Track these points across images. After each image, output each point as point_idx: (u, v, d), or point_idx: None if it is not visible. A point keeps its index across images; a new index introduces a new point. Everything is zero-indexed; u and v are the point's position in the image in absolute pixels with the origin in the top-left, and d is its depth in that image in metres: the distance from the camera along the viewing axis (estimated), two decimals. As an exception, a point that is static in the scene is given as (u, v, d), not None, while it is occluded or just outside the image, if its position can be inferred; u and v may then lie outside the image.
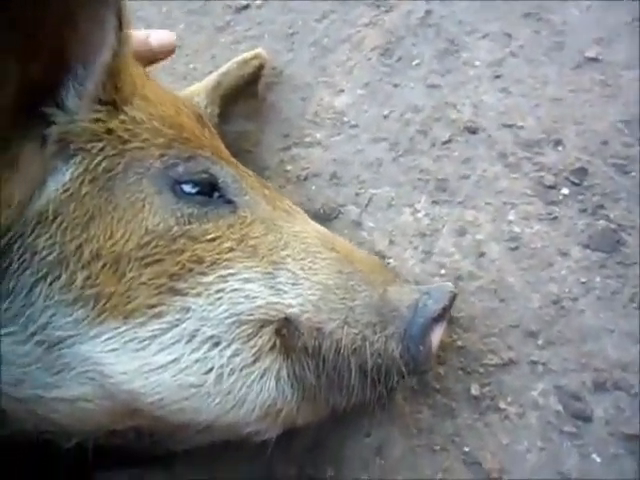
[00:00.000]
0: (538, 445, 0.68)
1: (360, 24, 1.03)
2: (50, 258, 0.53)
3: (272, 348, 0.57)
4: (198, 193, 0.60)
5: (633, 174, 0.80)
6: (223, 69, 0.93)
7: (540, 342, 0.73)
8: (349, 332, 0.58)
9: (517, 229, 0.81)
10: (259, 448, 0.71)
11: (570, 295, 0.75)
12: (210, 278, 0.56)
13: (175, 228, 0.56)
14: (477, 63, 0.95)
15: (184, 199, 0.58)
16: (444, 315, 0.62)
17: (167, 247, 0.55)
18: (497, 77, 0.93)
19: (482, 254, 0.80)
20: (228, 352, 0.55)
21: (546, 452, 0.67)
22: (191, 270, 0.56)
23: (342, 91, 0.97)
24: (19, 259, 0.53)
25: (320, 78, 0.99)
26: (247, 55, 0.99)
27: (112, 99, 0.57)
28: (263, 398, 0.57)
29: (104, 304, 0.53)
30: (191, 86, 0.95)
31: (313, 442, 0.71)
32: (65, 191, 0.54)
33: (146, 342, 0.53)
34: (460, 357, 0.74)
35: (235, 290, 0.56)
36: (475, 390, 0.72)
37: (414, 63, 0.97)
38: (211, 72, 1.03)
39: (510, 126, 0.89)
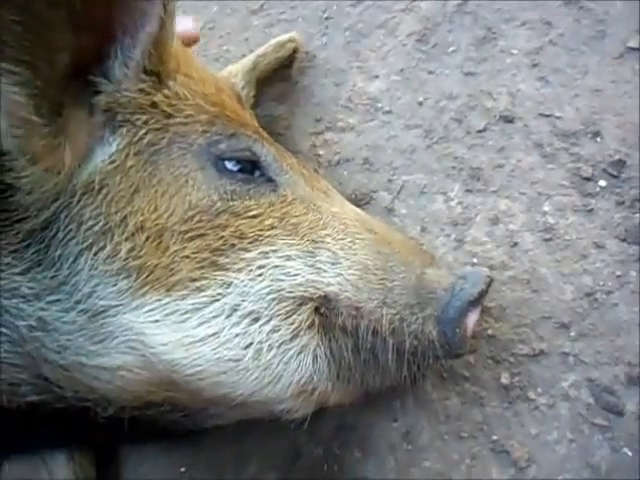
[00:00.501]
0: (568, 436, 0.69)
1: (396, 10, 1.03)
2: (96, 228, 0.55)
3: (310, 326, 0.58)
4: (240, 170, 0.61)
5: (673, 168, 0.80)
6: (259, 51, 0.94)
7: (572, 334, 0.74)
8: (387, 312, 0.59)
9: (552, 220, 0.81)
10: (286, 427, 0.73)
11: (604, 288, 0.75)
12: (252, 254, 0.58)
13: (218, 203, 0.58)
14: (514, 51, 0.95)
15: (227, 176, 0.60)
16: (480, 299, 0.63)
17: (210, 222, 0.57)
18: (535, 66, 0.93)
19: (515, 244, 0.81)
20: (267, 328, 0.56)
21: (576, 444, 0.68)
22: (233, 245, 0.57)
23: (376, 77, 0.97)
24: (65, 229, 0.55)
25: (354, 63, 0.99)
26: (282, 38, 1.00)
27: (157, 70, 0.58)
28: (299, 375, 0.58)
29: (147, 276, 0.55)
30: (224, 68, 0.97)
31: (340, 424, 0.73)
32: (111, 162, 0.56)
33: (187, 315, 0.55)
34: (490, 346, 0.75)
35: (276, 267, 0.58)
36: (505, 379, 0.72)
37: (450, 50, 0.97)
38: (244, 55, 1.04)
39: (547, 116, 0.88)
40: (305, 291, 0.58)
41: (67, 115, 0.52)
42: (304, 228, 0.61)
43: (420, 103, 0.94)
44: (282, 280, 0.58)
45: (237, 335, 0.56)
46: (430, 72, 0.96)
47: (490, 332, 0.75)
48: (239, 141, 0.62)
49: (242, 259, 0.57)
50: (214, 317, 0.55)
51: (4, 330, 0.55)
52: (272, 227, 0.59)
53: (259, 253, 0.58)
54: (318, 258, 0.60)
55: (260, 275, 0.57)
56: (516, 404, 0.71)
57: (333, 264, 0.60)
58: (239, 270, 0.57)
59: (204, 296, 0.55)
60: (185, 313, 0.55)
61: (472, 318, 0.62)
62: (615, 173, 0.82)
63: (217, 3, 1.13)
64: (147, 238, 0.55)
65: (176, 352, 0.54)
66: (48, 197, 0.54)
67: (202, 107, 0.61)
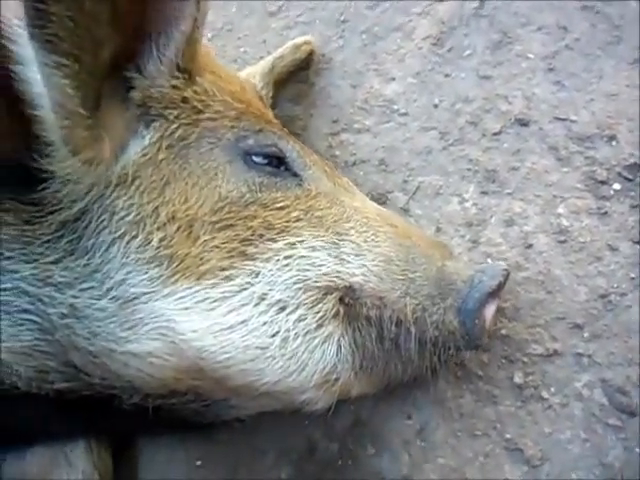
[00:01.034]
0: (581, 436, 0.71)
1: (412, 13, 1.07)
2: (128, 218, 0.58)
3: (335, 315, 0.61)
4: (267, 165, 0.65)
5: (688, 172, 0.82)
6: (277, 53, 0.98)
7: (586, 335, 0.76)
8: (410, 302, 0.62)
9: (566, 222, 0.84)
10: (302, 422, 0.76)
11: (618, 290, 0.78)
12: (279, 244, 0.61)
13: (247, 195, 0.61)
14: (530, 55, 0.98)
15: (254, 169, 0.64)
16: (498, 292, 0.66)
17: (239, 213, 0.61)
18: (551, 70, 0.96)
19: (529, 246, 0.83)
20: (294, 317, 0.59)
21: (589, 443, 0.70)
22: (262, 236, 0.60)
23: (392, 79, 1.00)
24: (98, 219, 0.58)
25: (370, 66, 1.03)
26: (298, 40, 1.04)
27: (188, 68, 0.62)
28: (323, 364, 0.61)
29: (178, 265, 0.58)
30: (242, 69, 1.01)
31: (355, 420, 0.75)
32: (144, 155, 0.60)
33: (217, 303, 0.58)
34: (504, 346, 0.77)
35: (303, 257, 0.61)
36: (518, 378, 0.75)
37: (466, 54, 1.00)
38: (261, 57, 1.08)
39: (563, 120, 0.91)
40: (330, 281, 0.61)
41: (104, 109, 0.56)
42: (328, 221, 0.64)
43: (436, 105, 0.97)
44: (308, 270, 0.61)
45: (265, 323, 0.59)
46: (446, 75, 0.99)
47: (504, 332, 0.78)
48: (265, 137, 0.66)
49: (270, 249, 0.60)
50: (242, 305, 0.59)
51: (35, 318, 0.58)
52: (298, 219, 0.63)
53: (286, 244, 0.61)
54: (342, 249, 0.63)
55: (287, 265, 0.60)
56: (529, 403, 0.74)
57: (357, 255, 0.63)
58: (267, 260, 0.60)
59: (233, 285, 0.59)
60: (214, 301, 0.58)
61: (490, 310, 0.65)
62: (630, 176, 0.84)
63: (235, 4, 1.18)
64: (178, 228, 0.59)
65: (205, 339, 0.58)
66: (82, 188, 0.58)
67: (230, 104, 0.65)
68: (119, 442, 0.77)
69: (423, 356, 0.63)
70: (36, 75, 0.50)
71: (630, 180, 0.84)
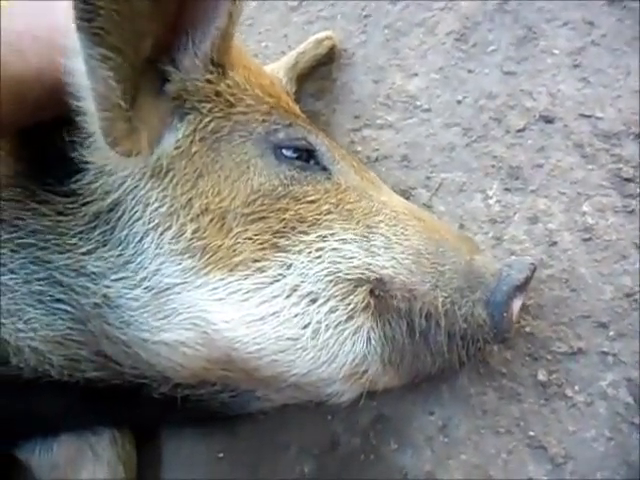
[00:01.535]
0: (606, 435, 0.72)
1: (435, 8, 1.08)
2: (162, 210, 0.60)
3: (366, 308, 0.63)
4: (297, 158, 0.67)
5: None
6: (300, 49, 1.00)
7: (611, 333, 0.77)
8: (439, 295, 0.64)
9: (591, 220, 0.85)
10: (324, 417, 0.78)
11: (644, 289, 0.79)
12: (311, 237, 0.63)
13: (279, 188, 0.63)
14: (556, 51, 0.99)
15: (285, 162, 0.65)
16: (525, 286, 0.68)
17: (272, 205, 0.62)
18: (576, 66, 0.97)
19: (554, 243, 0.84)
20: (325, 308, 0.61)
21: (614, 442, 0.71)
22: (293, 228, 0.62)
23: (415, 75, 1.02)
24: (131, 210, 0.60)
25: (393, 61, 1.04)
26: (320, 35, 1.05)
27: (222, 62, 0.64)
28: (353, 355, 0.63)
29: (211, 256, 0.60)
30: (263, 64, 1.02)
31: (377, 416, 0.77)
32: (177, 148, 0.62)
33: (249, 294, 0.60)
34: (528, 343, 0.79)
35: (334, 249, 0.63)
36: (542, 376, 0.76)
37: (490, 49, 1.02)
38: (283, 51, 1.10)
39: (588, 117, 0.92)
40: (361, 274, 0.63)
41: (140, 101, 0.58)
42: (358, 214, 0.66)
43: (459, 102, 0.98)
44: (339, 262, 0.63)
45: (296, 315, 0.61)
46: (469, 71, 1.01)
47: (528, 329, 0.79)
48: (295, 131, 0.68)
49: (302, 241, 0.62)
50: (274, 297, 0.60)
51: (68, 308, 0.61)
52: (329, 212, 0.65)
53: (317, 236, 0.63)
54: (373, 242, 0.65)
55: (319, 257, 0.62)
56: (553, 401, 0.75)
57: (387, 248, 0.65)
58: (299, 252, 0.62)
59: (265, 276, 0.60)
60: (247, 292, 0.60)
61: (517, 303, 0.66)
62: (656, 175, 0.85)
63: (256, -1, 1.19)
64: (211, 220, 0.61)
65: (238, 329, 0.60)
66: (116, 180, 0.61)
67: (261, 97, 0.67)
68: (143, 434, 0.79)
69: (451, 349, 0.65)
70: (81, 67, 0.52)
71: (657, 178, 0.85)
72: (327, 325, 0.61)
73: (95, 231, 0.61)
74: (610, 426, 0.72)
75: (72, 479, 0.71)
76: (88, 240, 0.61)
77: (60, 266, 0.61)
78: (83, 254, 0.60)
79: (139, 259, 0.60)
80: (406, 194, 0.91)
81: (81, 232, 0.61)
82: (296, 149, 0.67)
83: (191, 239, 0.60)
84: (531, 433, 0.74)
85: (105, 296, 0.60)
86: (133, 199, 0.61)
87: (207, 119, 0.63)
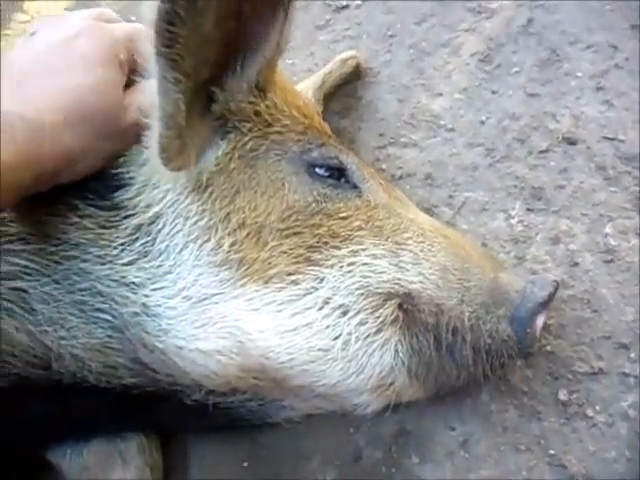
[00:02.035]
0: (626, 455, 0.74)
1: (460, 29, 1.12)
2: (201, 223, 0.65)
3: (394, 321, 0.67)
4: (329, 177, 0.71)
5: None
6: (326, 69, 1.04)
7: (632, 355, 0.80)
8: (465, 310, 0.67)
9: (613, 242, 0.88)
10: (347, 429, 0.81)
11: (666, 311, 0.81)
12: (343, 252, 0.67)
13: (313, 205, 0.68)
14: (579, 74, 1.02)
15: (318, 180, 0.70)
16: (548, 303, 0.71)
17: (306, 221, 0.67)
18: (599, 89, 1.00)
19: (575, 264, 0.87)
20: (355, 321, 0.65)
21: (634, 463, 0.74)
22: (326, 243, 0.66)
23: (439, 94, 1.06)
24: (172, 223, 0.65)
25: (417, 80, 1.08)
26: (345, 55, 1.10)
27: (265, 85, 0.69)
28: (381, 367, 0.66)
29: (247, 268, 0.64)
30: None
31: (399, 430, 0.80)
32: (217, 164, 0.67)
33: (283, 305, 0.64)
34: (549, 362, 0.81)
35: (365, 264, 0.67)
36: (563, 395, 0.78)
37: (513, 71, 1.05)
38: (309, 69, 1.15)
39: (611, 139, 0.95)
40: (390, 288, 0.67)
41: (190, 120, 0.62)
42: (387, 231, 0.70)
43: (482, 122, 1.02)
44: (370, 277, 0.66)
45: (328, 326, 0.64)
46: (493, 92, 1.04)
47: (549, 348, 0.82)
48: (328, 150, 0.72)
49: (334, 256, 0.66)
50: (307, 309, 0.64)
51: (108, 317, 0.65)
52: (360, 228, 0.69)
53: (349, 251, 0.67)
54: (401, 258, 0.68)
55: (350, 271, 0.66)
56: (574, 420, 0.77)
57: (415, 264, 0.69)
58: (331, 266, 0.66)
59: (299, 289, 0.64)
60: (281, 304, 0.64)
61: (540, 320, 0.70)
62: (679, 198, 0.88)
63: (282, 17, 1.24)
64: (248, 234, 0.65)
65: (271, 339, 0.63)
66: (158, 194, 0.65)
67: (296, 118, 0.72)
68: (169, 440, 0.83)
69: (476, 363, 0.68)
70: (155, 88, 0.58)
71: (679, 201, 0.88)
72: (357, 337, 0.65)
73: (136, 243, 0.65)
74: (630, 446, 0.74)
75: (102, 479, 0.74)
76: (129, 251, 0.65)
77: (101, 277, 0.65)
78: (124, 265, 0.65)
79: (178, 270, 0.64)
80: (429, 212, 0.94)
81: (122, 244, 0.65)
82: (328, 168, 0.71)
83: (228, 252, 0.64)
84: (551, 451, 0.76)
85: (144, 305, 0.64)
86: (174, 212, 0.65)
87: (246, 138, 0.68)
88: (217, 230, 0.64)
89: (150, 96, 0.59)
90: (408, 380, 0.68)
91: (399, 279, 0.67)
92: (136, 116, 0.64)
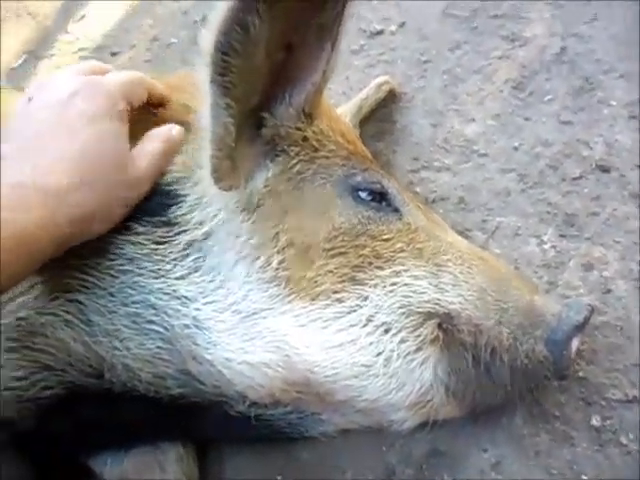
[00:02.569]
0: (659, 483, 0.76)
1: (493, 56, 1.17)
2: (252, 242, 0.70)
3: (434, 340, 0.70)
4: (372, 200, 0.76)
5: None
6: (362, 94, 1.10)
7: (666, 383, 0.82)
8: (503, 331, 0.71)
9: (646, 270, 0.90)
10: (379, 445, 0.84)
11: (700, 340, 0.83)
12: (386, 272, 0.71)
13: (358, 227, 0.72)
14: (613, 102, 1.06)
15: (362, 204, 0.75)
16: (583, 326, 0.74)
17: (350, 242, 0.71)
18: (633, 117, 1.04)
19: (609, 291, 0.90)
20: (397, 338, 0.69)
21: (666, 491, 0.75)
22: (370, 264, 0.71)
23: (473, 120, 1.10)
24: (223, 240, 0.70)
25: (451, 106, 1.13)
26: (379, 80, 1.16)
27: (311, 112, 0.74)
28: (420, 384, 0.70)
29: (294, 286, 0.69)
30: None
31: (432, 449, 0.83)
32: (266, 186, 0.72)
33: (328, 322, 0.68)
34: (581, 388, 0.84)
35: (406, 284, 0.71)
36: (596, 421, 0.81)
37: (547, 98, 1.10)
38: (344, 93, 1.20)
39: (644, 167, 0.98)
40: (431, 308, 0.71)
41: (241, 143, 0.68)
42: (428, 253, 0.74)
43: (515, 148, 1.06)
44: (411, 297, 0.70)
45: (371, 343, 0.69)
46: (526, 119, 1.08)
47: (581, 374, 0.84)
48: (371, 175, 0.78)
49: (377, 276, 0.71)
50: (351, 326, 0.69)
51: (159, 329, 0.70)
52: (402, 250, 0.73)
53: (392, 272, 0.71)
54: (441, 279, 0.73)
55: (392, 291, 0.70)
56: (607, 447, 0.79)
57: (454, 285, 0.73)
58: (375, 285, 0.70)
59: (343, 307, 0.69)
60: (327, 320, 0.68)
61: (575, 343, 0.73)
62: None
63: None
64: (295, 253, 0.70)
65: (317, 354, 0.68)
66: (210, 212, 0.70)
67: (341, 144, 0.78)
68: (205, 453, 0.87)
69: (513, 383, 0.71)
70: (208, 112, 0.64)
71: None
72: (398, 354, 0.68)
73: (188, 258, 0.70)
74: (664, 475, 0.76)
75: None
76: (181, 266, 0.70)
77: (154, 290, 0.70)
78: (176, 279, 0.70)
79: (229, 285, 0.69)
80: (463, 236, 0.97)
81: (175, 259, 0.70)
82: (371, 192, 0.76)
83: (277, 269, 0.69)
84: (584, 477, 0.78)
85: (195, 318, 0.69)
86: (225, 230, 0.70)
87: (294, 161, 0.73)
88: (266, 248, 0.69)
89: (203, 120, 0.65)
90: (445, 398, 0.71)
91: (439, 299, 0.71)
92: (146, 163, 0.69)
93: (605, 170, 1.00)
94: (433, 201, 1.03)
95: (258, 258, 0.69)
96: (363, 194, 0.75)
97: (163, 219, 0.71)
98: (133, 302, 0.70)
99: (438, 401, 0.72)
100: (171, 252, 0.70)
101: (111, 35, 1.49)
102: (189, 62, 1.37)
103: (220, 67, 0.60)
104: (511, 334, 0.71)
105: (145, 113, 0.77)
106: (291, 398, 0.72)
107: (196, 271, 0.70)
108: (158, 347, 0.70)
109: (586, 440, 0.80)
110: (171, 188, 0.72)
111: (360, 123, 1.08)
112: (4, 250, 0.55)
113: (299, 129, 0.73)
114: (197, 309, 0.69)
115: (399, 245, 0.73)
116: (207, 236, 0.70)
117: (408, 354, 0.69)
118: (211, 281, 0.69)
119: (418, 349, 0.69)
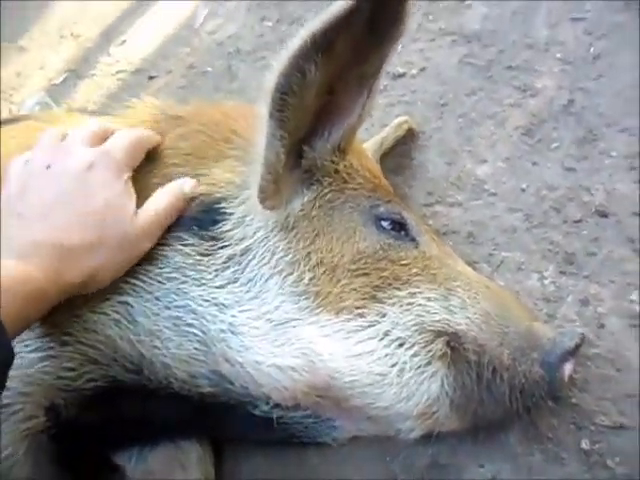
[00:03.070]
0: (642, 505, 0.84)
1: (506, 104, 1.28)
2: (286, 259, 0.80)
3: (442, 356, 0.80)
4: (392, 229, 0.87)
5: None
6: (383, 132, 1.22)
7: (653, 414, 0.90)
8: (504, 352, 0.80)
9: (638, 309, 1.00)
10: (383, 455, 0.92)
11: (687, 376, 0.92)
12: (403, 292, 0.81)
13: (380, 252, 0.83)
14: (614, 154, 1.17)
15: (384, 232, 0.86)
16: (575, 352, 0.83)
17: (373, 264, 0.81)
18: (632, 169, 1.14)
19: (602, 325, 0.99)
20: (410, 352, 0.78)
21: (648, 513, 0.83)
22: (390, 284, 0.81)
23: (484, 161, 1.21)
24: (261, 256, 0.80)
25: (465, 147, 1.24)
26: (399, 120, 1.27)
27: (345, 148, 0.86)
28: (428, 395, 0.79)
29: (322, 300, 0.79)
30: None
31: (433, 462, 0.91)
32: (302, 210, 0.83)
33: (350, 334, 0.78)
34: (573, 413, 0.92)
35: (420, 305, 0.81)
36: (585, 445, 0.89)
37: (553, 146, 1.20)
38: (366, 128, 1.31)
39: (641, 215, 1.08)
40: (441, 327, 0.80)
41: (284, 170, 0.79)
42: (440, 278, 0.85)
43: (523, 190, 1.16)
44: (424, 316, 0.80)
45: (386, 355, 0.78)
46: (534, 163, 1.19)
47: (574, 401, 0.93)
48: (393, 207, 0.89)
49: (395, 296, 0.81)
50: (370, 338, 0.78)
51: (197, 332, 0.79)
52: (417, 274, 0.83)
53: (408, 293, 0.81)
54: (451, 302, 0.82)
55: (408, 310, 0.80)
56: (595, 469, 0.87)
57: (462, 308, 0.82)
58: (392, 304, 0.80)
59: (364, 321, 0.79)
60: (349, 332, 0.78)
61: (568, 367, 0.82)
62: None
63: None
64: (324, 271, 0.80)
65: (338, 362, 0.77)
66: (250, 230, 0.81)
67: (368, 178, 0.89)
68: (221, 456, 0.95)
69: (511, 400, 0.79)
70: (262, 141, 0.75)
71: (703, 277, 1.00)
72: (410, 366, 0.78)
73: (228, 270, 0.80)
74: (647, 498, 0.84)
75: (164, 480, 0.87)
76: (222, 277, 0.80)
77: (196, 297, 0.80)
78: (216, 288, 0.79)
79: (263, 296, 0.79)
80: (470, 267, 1.08)
81: (216, 270, 0.80)
82: (392, 221, 0.87)
83: (307, 284, 0.79)
84: (572, 495, 0.86)
85: (230, 324, 0.78)
86: (263, 247, 0.81)
87: (326, 190, 0.85)
88: (299, 265, 0.80)
89: (257, 147, 0.77)
90: (449, 411, 0.80)
91: (448, 320, 0.80)
92: (149, 220, 0.78)
93: (604, 215, 1.10)
94: (444, 233, 1.14)
95: (291, 274, 0.79)
96: (385, 223, 0.86)
97: (210, 234, 0.82)
98: (176, 306, 0.80)
99: (443, 413, 0.80)
100: (213, 263, 0.80)
101: (149, 60, 1.62)
102: (221, 90, 1.50)
103: (278, 104, 0.72)
104: (511, 355, 0.80)
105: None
106: (311, 402, 0.81)
107: (234, 282, 0.80)
108: (195, 348, 0.79)
109: (576, 461, 0.89)
110: (220, 206, 0.83)
111: (380, 158, 1.19)
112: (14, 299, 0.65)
113: (333, 162, 0.84)
114: (233, 316, 0.78)
115: (415, 270, 0.83)
116: (246, 251, 0.81)
117: (419, 367, 0.78)
118: (247, 291, 0.79)
119: (428, 363, 0.79)
